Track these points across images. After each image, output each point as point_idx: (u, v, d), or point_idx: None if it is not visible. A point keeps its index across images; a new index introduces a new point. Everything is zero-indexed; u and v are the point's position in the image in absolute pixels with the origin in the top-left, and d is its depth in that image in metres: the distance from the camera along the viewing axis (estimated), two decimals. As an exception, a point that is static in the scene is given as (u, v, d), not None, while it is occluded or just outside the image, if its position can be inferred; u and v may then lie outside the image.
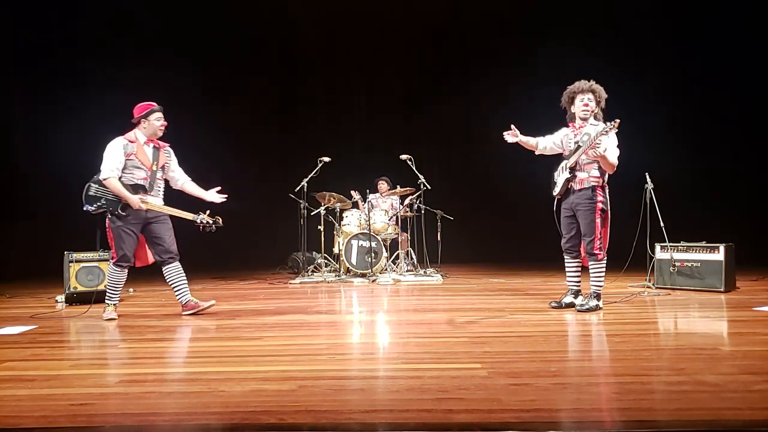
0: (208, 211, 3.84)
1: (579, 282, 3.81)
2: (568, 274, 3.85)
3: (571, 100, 3.71)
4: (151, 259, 3.84)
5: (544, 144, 3.84)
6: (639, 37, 8.73)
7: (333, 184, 6.95)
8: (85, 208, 3.61)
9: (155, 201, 3.72)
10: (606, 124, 3.36)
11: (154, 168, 3.70)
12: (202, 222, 3.79)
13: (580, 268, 3.82)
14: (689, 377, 2.00)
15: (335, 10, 9.16)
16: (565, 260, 3.85)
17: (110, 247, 3.74)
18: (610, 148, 3.47)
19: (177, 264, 3.83)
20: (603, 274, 3.63)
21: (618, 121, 3.34)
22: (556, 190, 3.77)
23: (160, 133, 3.73)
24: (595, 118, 3.67)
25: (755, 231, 8.03)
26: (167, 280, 3.84)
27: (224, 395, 1.89)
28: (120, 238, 3.61)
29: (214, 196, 3.96)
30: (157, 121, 3.67)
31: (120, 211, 3.59)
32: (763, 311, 3.57)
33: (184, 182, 3.97)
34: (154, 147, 3.74)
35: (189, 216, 3.79)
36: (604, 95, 3.67)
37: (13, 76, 7.79)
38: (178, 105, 7.68)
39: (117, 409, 1.80)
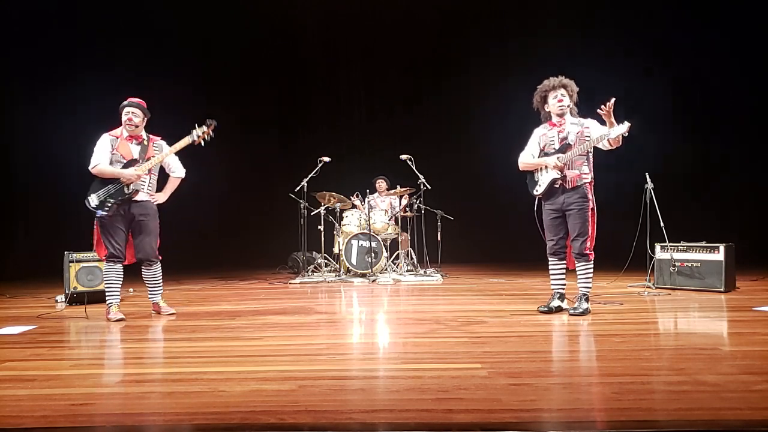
0: (196, 125, 3.79)
1: (565, 285, 3.69)
2: (553, 277, 3.69)
3: (544, 99, 3.59)
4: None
5: (525, 160, 3.70)
6: (639, 35, 8.73)
7: (333, 184, 6.95)
8: (99, 215, 3.62)
9: (141, 196, 3.73)
10: (617, 128, 3.25)
11: (128, 161, 3.70)
12: (199, 137, 3.76)
13: (565, 271, 3.68)
14: (689, 377, 2.00)
15: (336, 10, 9.17)
16: (551, 263, 3.66)
17: (94, 246, 3.80)
18: (598, 129, 3.39)
19: (157, 267, 3.85)
20: (592, 274, 3.54)
21: (629, 124, 3.24)
22: (539, 190, 3.61)
23: (130, 128, 3.71)
24: (571, 113, 3.56)
25: (755, 231, 8.03)
26: (144, 279, 3.87)
27: (224, 395, 1.89)
28: (108, 234, 3.63)
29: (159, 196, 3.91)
30: (124, 116, 3.71)
31: (127, 193, 3.63)
32: (763, 311, 3.57)
33: (173, 174, 3.99)
34: (138, 143, 3.75)
35: (186, 141, 3.76)
36: (576, 89, 3.55)
37: (13, 76, 7.79)
38: (177, 104, 7.72)
39: (117, 409, 1.80)
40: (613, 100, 3.28)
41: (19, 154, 8.05)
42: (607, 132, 3.31)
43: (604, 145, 3.41)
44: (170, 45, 8.68)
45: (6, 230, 7.81)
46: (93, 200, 3.61)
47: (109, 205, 3.60)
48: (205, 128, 3.80)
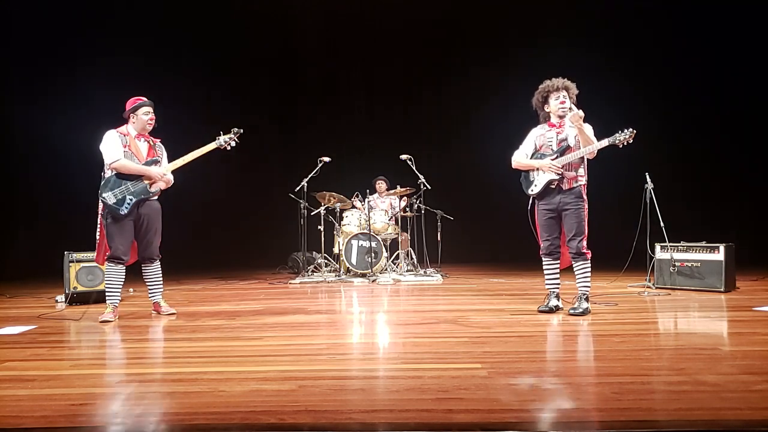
0: (221, 132, 3.91)
1: (559, 284, 3.70)
2: (548, 277, 3.68)
3: (545, 99, 3.59)
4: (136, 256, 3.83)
5: (519, 160, 3.70)
6: (638, 36, 8.73)
7: (333, 184, 6.95)
8: (122, 212, 3.53)
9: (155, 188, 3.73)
10: (623, 132, 3.30)
11: (147, 161, 3.68)
12: (226, 143, 3.90)
13: (559, 270, 3.70)
14: (689, 377, 2.00)
15: (336, 10, 9.17)
16: (545, 263, 3.67)
17: (97, 246, 3.74)
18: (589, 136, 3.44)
19: (158, 264, 3.84)
20: (590, 273, 3.54)
21: (635, 131, 3.29)
22: (535, 190, 3.61)
23: (149, 128, 3.71)
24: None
25: (755, 231, 8.03)
26: (144, 277, 3.84)
27: (224, 395, 1.89)
28: (116, 234, 3.57)
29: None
30: (145, 115, 3.66)
31: (151, 192, 3.64)
32: (763, 311, 3.57)
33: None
34: (146, 141, 3.73)
35: (212, 146, 3.86)
36: (576, 92, 3.56)
37: (13, 76, 7.78)
38: (177, 103, 7.73)
39: (117, 409, 1.80)
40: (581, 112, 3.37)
41: (20, 153, 8.05)
42: (596, 144, 3.37)
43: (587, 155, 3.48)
44: (170, 44, 8.67)
45: (6, 230, 7.80)
46: (110, 198, 3.53)
47: (129, 202, 3.55)
48: (231, 135, 3.91)
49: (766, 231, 8.09)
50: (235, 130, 3.93)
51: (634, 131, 3.29)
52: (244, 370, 2.23)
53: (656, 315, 3.54)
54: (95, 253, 3.84)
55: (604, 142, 3.38)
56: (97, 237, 3.73)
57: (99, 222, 3.68)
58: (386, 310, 4.01)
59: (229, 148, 3.91)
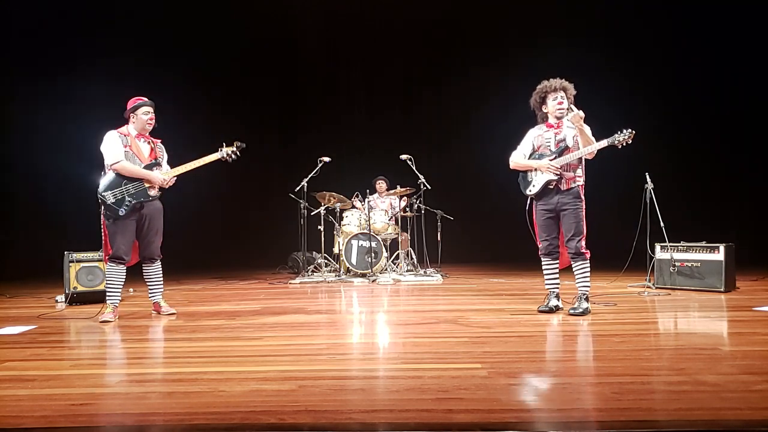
0: (224, 144, 3.91)
1: (559, 284, 3.70)
2: (548, 277, 3.68)
3: (543, 100, 3.58)
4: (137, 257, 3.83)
5: (517, 160, 3.70)
6: (638, 36, 8.73)
7: (333, 184, 6.95)
8: (120, 213, 3.54)
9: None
10: (622, 133, 3.32)
11: (149, 163, 3.69)
12: (228, 155, 3.89)
13: (558, 270, 3.70)
14: (689, 377, 2.00)
15: (336, 10, 9.17)
16: (545, 263, 3.68)
17: (102, 245, 3.73)
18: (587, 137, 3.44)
19: (158, 264, 3.84)
20: (589, 272, 3.54)
21: (633, 132, 3.30)
22: (533, 190, 3.62)
23: (149, 128, 3.71)
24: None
25: (755, 231, 8.03)
26: (145, 277, 3.84)
27: (224, 395, 1.89)
28: (119, 234, 3.57)
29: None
30: (144, 115, 3.66)
31: (152, 196, 3.65)
32: (763, 311, 3.57)
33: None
34: (147, 142, 3.73)
35: (214, 157, 3.86)
36: (574, 92, 3.56)
37: (13, 75, 7.78)
38: (177, 104, 7.72)
39: (117, 409, 1.80)
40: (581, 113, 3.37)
41: (19, 153, 8.05)
42: (595, 145, 3.38)
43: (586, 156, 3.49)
44: (170, 44, 8.67)
45: (6, 230, 7.80)
46: (109, 198, 3.54)
47: (128, 203, 3.56)
48: (234, 148, 3.91)
49: (766, 231, 8.09)
50: (239, 144, 3.92)
51: (633, 132, 3.31)
52: (244, 370, 2.23)
53: (656, 315, 3.54)
54: (102, 253, 3.83)
55: (603, 143, 3.40)
56: (103, 237, 3.72)
57: (102, 222, 3.68)
58: (386, 310, 4.01)
59: (230, 161, 3.90)
